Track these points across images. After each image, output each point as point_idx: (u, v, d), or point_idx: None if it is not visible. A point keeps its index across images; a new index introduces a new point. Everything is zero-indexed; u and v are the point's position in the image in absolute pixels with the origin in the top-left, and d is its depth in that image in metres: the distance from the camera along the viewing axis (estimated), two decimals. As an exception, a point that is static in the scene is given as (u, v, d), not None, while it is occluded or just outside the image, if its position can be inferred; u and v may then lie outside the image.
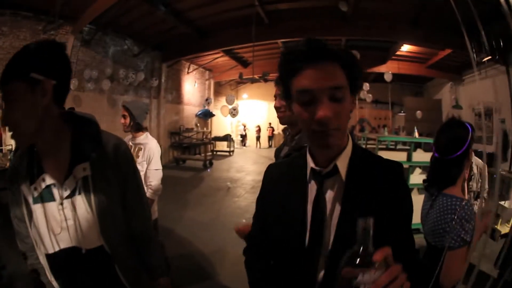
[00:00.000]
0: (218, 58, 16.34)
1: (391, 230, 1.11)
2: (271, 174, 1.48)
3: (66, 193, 1.45)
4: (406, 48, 13.57)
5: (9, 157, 7.65)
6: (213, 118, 19.97)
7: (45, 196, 1.46)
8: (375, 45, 13.79)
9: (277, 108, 2.40)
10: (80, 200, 1.46)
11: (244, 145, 24.69)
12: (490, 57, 10.51)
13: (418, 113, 15.30)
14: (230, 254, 5.51)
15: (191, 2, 10.36)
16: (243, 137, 25.04)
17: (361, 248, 0.84)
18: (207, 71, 19.49)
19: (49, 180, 1.46)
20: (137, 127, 3.97)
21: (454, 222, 1.92)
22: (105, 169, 1.53)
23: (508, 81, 11.47)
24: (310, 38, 1.13)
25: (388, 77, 14.01)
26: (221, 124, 22.01)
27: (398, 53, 14.21)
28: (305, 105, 1.12)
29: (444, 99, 17.22)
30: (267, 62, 16.60)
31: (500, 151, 9.33)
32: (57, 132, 1.45)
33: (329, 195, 1.22)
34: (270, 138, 25.01)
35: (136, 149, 3.91)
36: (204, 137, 18.48)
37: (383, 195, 1.19)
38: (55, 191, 1.45)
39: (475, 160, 4.48)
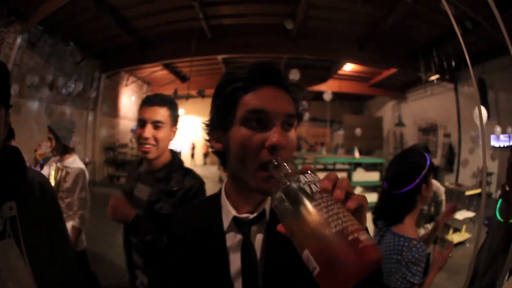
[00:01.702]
0: (157, 72, 15.94)
1: None
2: (180, 220, 1.29)
3: None
4: (349, 67, 13.85)
5: None
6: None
7: None
8: (316, 64, 13.97)
9: (145, 139, 2.14)
10: (11, 245, 1.23)
11: (179, 162, 24.40)
12: (438, 76, 10.94)
13: (357, 131, 15.64)
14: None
15: (137, 10, 10.09)
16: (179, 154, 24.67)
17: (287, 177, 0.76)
18: (145, 84, 18.98)
19: None
20: (64, 150, 3.69)
21: (400, 264, 1.85)
22: (32, 209, 1.34)
23: (456, 98, 12.06)
24: (267, 61, 1.05)
25: (327, 97, 14.23)
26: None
27: (340, 71, 14.50)
28: (254, 129, 0.98)
29: (385, 116, 17.79)
30: (206, 78, 16.58)
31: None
32: None
33: (257, 242, 1.08)
34: (206, 155, 24.84)
35: (64, 173, 3.64)
36: (138, 153, 17.87)
37: None
38: None
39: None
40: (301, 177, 0.72)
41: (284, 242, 0.96)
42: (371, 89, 16.41)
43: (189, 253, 1.16)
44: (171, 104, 2.26)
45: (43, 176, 1.48)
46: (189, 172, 2.35)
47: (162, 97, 2.25)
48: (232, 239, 1.10)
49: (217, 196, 1.21)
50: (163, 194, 2.15)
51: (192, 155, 24.80)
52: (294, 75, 12.18)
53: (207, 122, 1.16)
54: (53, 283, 1.38)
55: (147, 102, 2.19)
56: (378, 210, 2.19)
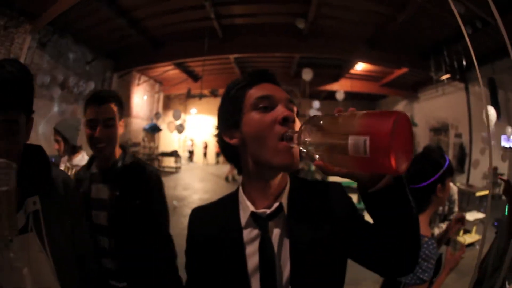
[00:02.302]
0: (169, 71, 16.05)
1: (361, 229, 1.12)
2: (197, 221, 1.33)
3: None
4: (360, 66, 13.75)
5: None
6: (161, 132, 19.52)
7: None
8: (328, 63, 13.93)
9: (98, 139, 2.04)
10: (33, 238, 1.24)
11: (191, 161, 24.26)
12: (449, 75, 10.81)
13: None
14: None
15: (147, 10, 10.13)
16: (191, 153, 24.60)
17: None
18: (157, 84, 19.03)
19: None
20: (72, 150, 3.68)
21: None
22: (55, 205, 1.36)
23: (467, 98, 11.93)
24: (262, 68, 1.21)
25: (340, 96, 14.17)
26: (168, 139, 21.41)
27: (351, 71, 14.41)
28: (264, 111, 1.08)
29: (398, 116, 17.75)
30: (218, 77, 16.59)
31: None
32: None
33: (274, 238, 1.13)
34: (218, 154, 24.52)
35: (74, 172, 3.59)
36: (151, 152, 17.87)
37: (331, 213, 1.16)
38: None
39: None
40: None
41: (307, 231, 1.11)
42: (382, 88, 16.25)
43: (207, 250, 1.20)
44: (116, 98, 2.17)
45: (66, 174, 1.53)
46: (141, 161, 2.34)
47: (108, 93, 2.17)
48: (250, 234, 1.14)
49: (234, 194, 1.26)
50: (127, 187, 2.12)
51: (205, 154, 24.70)
52: (307, 74, 12.14)
53: (218, 126, 1.23)
54: (74, 278, 1.40)
55: (95, 101, 2.09)
56: None
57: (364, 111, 0.74)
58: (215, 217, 1.25)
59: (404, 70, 13.15)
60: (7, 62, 1.14)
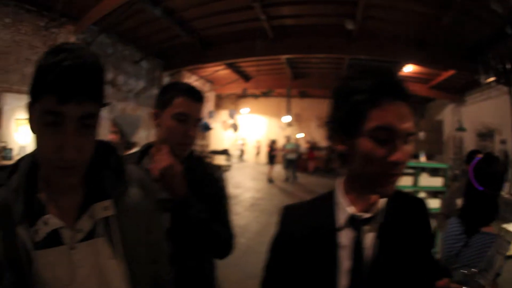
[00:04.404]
0: (220, 71, 16.27)
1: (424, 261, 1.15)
2: (289, 218, 1.31)
3: (80, 236, 1.11)
4: (408, 68, 13.47)
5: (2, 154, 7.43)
6: (211, 131, 19.73)
7: (50, 241, 1.08)
8: (378, 65, 13.57)
9: (191, 137, 1.84)
10: (102, 244, 1.14)
11: (242, 159, 24.33)
12: (495, 78, 10.44)
13: (421, 134, 15.12)
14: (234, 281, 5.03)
15: (196, 12, 10.25)
16: (242, 151, 24.73)
17: None
18: (208, 83, 19.24)
19: (54, 223, 1.09)
20: (127, 145, 3.65)
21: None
22: (130, 208, 1.24)
23: (511, 102, 11.52)
24: (389, 72, 1.11)
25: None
26: (218, 138, 21.60)
27: (400, 73, 14.13)
28: (380, 143, 1.02)
29: (445, 120, 17.11)
30: (269, 77, 16.64)
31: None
32: None
33: (368, 241, 1.13)
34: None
35: None
36: (202, 150, 18.09)
37: (416, 234, 1.18)
38: (65, 234, 1.10)
39: None
40: None
41: (396, 242, 1.14)
42: (431, 91, 15.76)
43: (297, 248, 1.20)
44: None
45: (141, 172, 1.41)
46: (203, 159, 2.14)
47: (201, 92, 1.94)
48: (345, 236, 1.14)
49: (329, 194, 1.25)
50: (193, 188, 1.79)
51: (257, 153, 24.81)
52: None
53: (330, 122, 1.18)
54: (147, 284, 1.28)
55: (192, 95, 1.85)
56: (473, 215, 2.16)
57: None
58: (308, 217, 1.25)
59: (451, 72, 12.78)
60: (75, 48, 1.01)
